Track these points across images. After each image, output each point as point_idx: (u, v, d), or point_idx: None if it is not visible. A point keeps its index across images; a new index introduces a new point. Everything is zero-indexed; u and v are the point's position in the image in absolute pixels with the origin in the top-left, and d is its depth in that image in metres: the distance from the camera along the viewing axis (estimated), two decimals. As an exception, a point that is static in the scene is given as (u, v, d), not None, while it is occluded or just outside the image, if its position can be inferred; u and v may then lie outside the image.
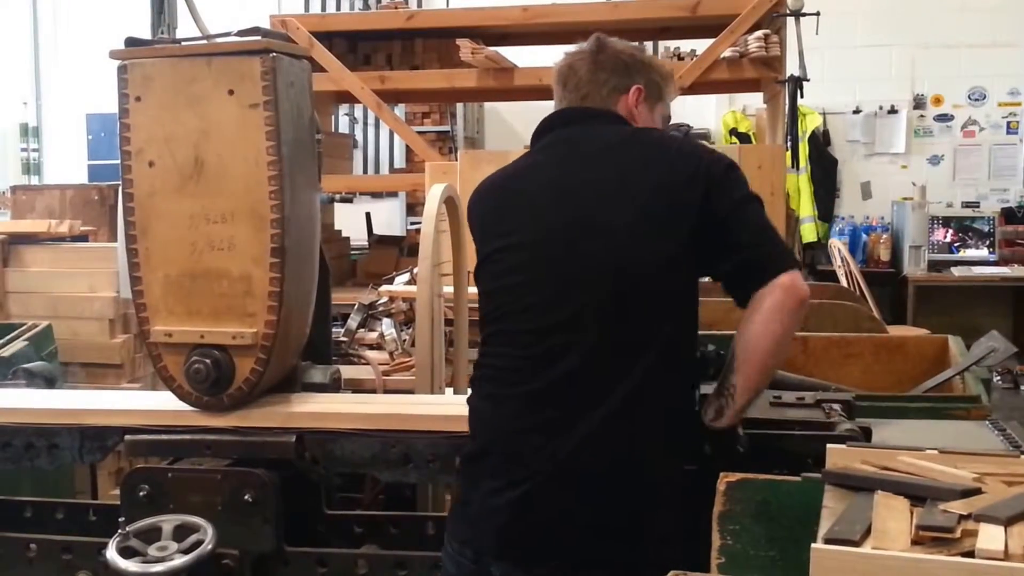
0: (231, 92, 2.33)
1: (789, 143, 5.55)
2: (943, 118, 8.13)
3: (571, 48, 2.17)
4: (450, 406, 2.40)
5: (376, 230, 6.64)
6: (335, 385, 2.66)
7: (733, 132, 8.05)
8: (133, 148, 2.40)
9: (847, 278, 6.50)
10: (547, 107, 2.18)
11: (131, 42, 2.46)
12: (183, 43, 2.54)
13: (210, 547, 2.21)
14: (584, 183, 1.99)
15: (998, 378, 2.54)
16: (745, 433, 2.08)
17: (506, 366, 1.97)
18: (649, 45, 7.48)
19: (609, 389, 1.87)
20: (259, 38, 2.36)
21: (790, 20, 5.33)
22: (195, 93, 2.35)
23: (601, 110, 2.10)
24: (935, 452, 1.62)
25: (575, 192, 1.98)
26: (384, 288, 3.98)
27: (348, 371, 3.14)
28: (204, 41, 2.62)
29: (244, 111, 2.33)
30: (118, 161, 2.44)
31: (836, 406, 2.20)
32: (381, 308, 3.83)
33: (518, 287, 1.98)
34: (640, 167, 1.97)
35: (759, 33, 5.21)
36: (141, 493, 2.38)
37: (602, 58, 2.12)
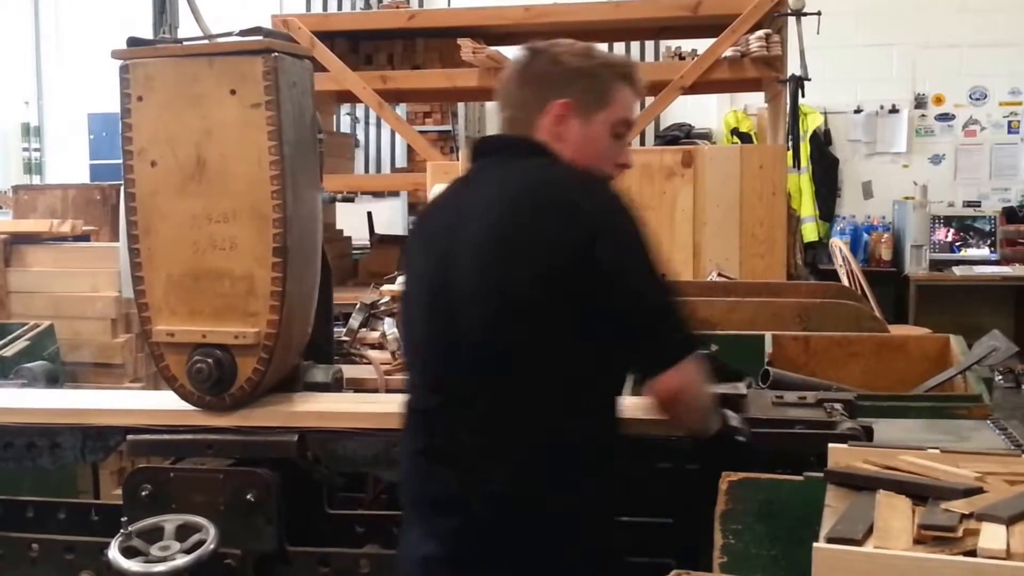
0: (233, 92, 2.33)
1: (790, 142, 5.54)
2: (944, 117, 8.14)
3: (518, 52, 1.96)
4: (452, 405, 2.40)
5: (378, 229, 6.65)
6: (337, 384, 2.66)
7: (734, 132, 8.06)
8: (135, 148, 2.40)
9: (848, 277, 6.50)
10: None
11: (133, 42, 2.46)
12: (185, 43, 2.54)
13: (212, 547, 2.21)
14: (471, 238, 1.81)
15: (1000, 377, 2.55)
16: (744, 420, 2.08)
17: (412, 421, 1.95)
18: (650, 45, 7.49)
19: (507, 448, 1.79)
20: (261, 38, 2.37)
21: (791, 20, 5.32)
22: (197, 93, 2.35)
23: (514, 139, 1.91)
24: (937, 451, 1.63)
25: (461, 247, 1.83)
26: (386, 287, 3.97)
27: (350, 370, 3.13)
28: (206, 41, 2.62)
29: (246, 111, 2.33)
30: (120, 161, 2.44)
31: (838, 405, 2.20)
32: (383, 307, 3.82)
33: (412, 345, 1.97)
34: (524, 219, 1.78)
35: (760, 33, 5.20)
36: (143, 493, 2.38)
37: (531, 72, 1.90)
